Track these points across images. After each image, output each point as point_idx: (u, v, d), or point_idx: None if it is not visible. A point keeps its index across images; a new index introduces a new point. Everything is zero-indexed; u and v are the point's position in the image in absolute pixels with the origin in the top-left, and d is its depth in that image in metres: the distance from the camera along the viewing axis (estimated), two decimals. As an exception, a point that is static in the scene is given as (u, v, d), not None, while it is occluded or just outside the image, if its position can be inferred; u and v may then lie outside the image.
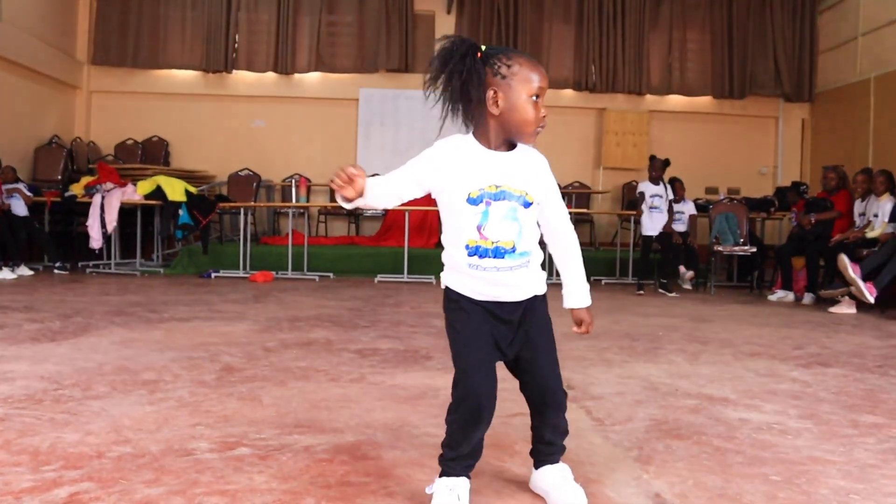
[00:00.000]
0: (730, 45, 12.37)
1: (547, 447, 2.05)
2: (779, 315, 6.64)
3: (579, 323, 2.06)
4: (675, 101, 12.57)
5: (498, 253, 1.90)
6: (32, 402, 2.89)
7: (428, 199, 8.12)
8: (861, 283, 6.45)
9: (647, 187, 8.66)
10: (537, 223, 1.99)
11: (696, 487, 2.15)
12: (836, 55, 11.94)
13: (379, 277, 9.21)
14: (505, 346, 1.96)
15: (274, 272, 9.07)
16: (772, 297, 7.99)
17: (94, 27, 11.78)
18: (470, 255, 1.90)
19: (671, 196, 8.73)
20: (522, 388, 2.02)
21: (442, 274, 2.02)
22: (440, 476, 1.98)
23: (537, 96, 1.88)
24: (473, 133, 1.93)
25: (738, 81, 12.35)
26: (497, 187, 1.88)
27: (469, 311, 1.94)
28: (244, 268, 9.20)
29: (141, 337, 4.54)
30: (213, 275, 9.00)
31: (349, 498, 2.00)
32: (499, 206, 1.88)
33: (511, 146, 1.94)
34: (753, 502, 2.03)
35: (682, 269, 8.88)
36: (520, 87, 1.87)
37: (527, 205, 1.91)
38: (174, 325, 5.04)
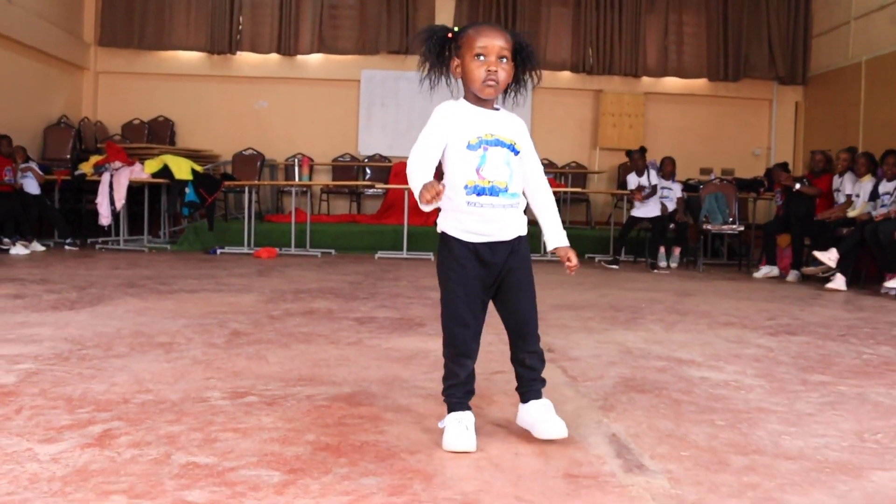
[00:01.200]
0: (725, 27, 12.58)
1: (529, 372, 2.32)
2: (761, 291, 6.93)
3: (567, 258, 2.31)
4: (671, 83, 12.80)
5: (494, 191, 2.21)
6: (60, 360, 3.20)
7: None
8: (829, 263, 6.79)
9: (632, 179, 9.20)
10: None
11: (648, 429, 2.45)
12: (828, 39, 12.16)
13: (379, 254, 9.50)
14: (489, 287, 2.28)
15: (278, 248, 9.36)
16: (757, 274, 8.28)
17: (101, 9, 12.03)
18: (469, 193, 2.20)
19: (655, 181, 9.14)
20: (505, 319, 2.32)
21: (438, 219, 2.30)
22: (448, 412, 2.27)
23: (480, 55, 2.18)
24: (463, 97, 2.29)
25: (733, 64, 12.58)
26: (492, 135, 2.22)
27: (462, 259, 2.23)
28: (249, 244, 9.49)
29: (153, 306, 4.84)
30: (218, 251, 9.29)
31: (345, 434, 2.31)
32: (494, 151, 2.22)
33: (494, 107, 2.29)
34: (696, 441, 2.33)
35: (662, 250, 9.24)
36: (467, 52, 2.21)
37: (516, 153, 2.24)
38: (184, 296, 5.34)
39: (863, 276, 7.37)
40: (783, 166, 9.45)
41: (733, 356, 3.72)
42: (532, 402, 2.31)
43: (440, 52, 2.27)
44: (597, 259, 9.55)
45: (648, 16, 12.60)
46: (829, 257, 6.86)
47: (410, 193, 9.86)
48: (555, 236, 2.35)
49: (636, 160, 9.23)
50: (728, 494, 1.90)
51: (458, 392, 2.29)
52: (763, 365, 3.52)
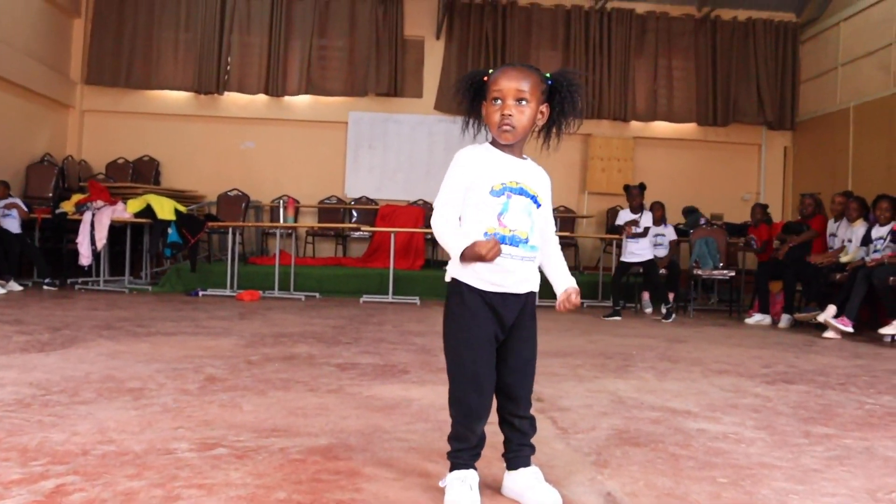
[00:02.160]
0: (714, 73, 12.63)
1: (519, 436, 2.17)
2: (753, 337, 6.79)
3: (569, 296, 2.19)
4: (660, 127, 12.80)
5: (514, 241, 2.09)
6: (21, 406, 3.01)
7: (414, 222, 8.28)
8: (835, 322, 6.62)
9: (625, 216, 8.72)
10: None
11: (646, 487, 2.28)
12: (816, 84, 12.22)
13: (364, 298, 9.33)
14: (497, 341, 2.13)
15: (261, 291, 9.19)
16: (749, 321, 8.15)
17: (89, 47, 11.97)
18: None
19: (648, 223, 8.79)
20: (499, 377, 2.14)
21: (449, 266, 2.16)
22: (451, 470, 2.12)
23: (497, 98, 2.09)
24: (489, 142, 2.18)
25: (722, 109, 12.60)
26: (517, 183, 2.11)
27: (475, 309, 2.09)
28: (231, 286, 9.31)
29: (128, 349, 4.65)
30: (200, 293, 9.11)
31: (318, 492, 2.13)
32: (518, 200, 2.11)
33: (522, 155, 2.19)
34: (699, 501, 2.17)
35: (645, 295, 9.03)
36: (489, 96, 2.12)
37: (538, 205, 2.15)
38: (160, 339, 5.16)
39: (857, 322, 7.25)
40: (763, 208, 9.42)
41: (730, 406, 3.57)
42: (521, 471, 2.17)
43: (475, 98, 2.19)
44: (603, 316, 9.33)
45: (637, 60, 12.63)
46: (829, 315, 6.73)
47: (397, 235, 9.77)
48: (565, 280, 2.24)
49: (634, 196, 8.75)
50: (735, 563, 1.74)
51: (465, 455, 2.13)
52: (762, 416, 3.36)
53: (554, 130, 2.20)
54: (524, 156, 2.19)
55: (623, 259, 8.59)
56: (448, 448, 2.15)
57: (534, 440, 2.22)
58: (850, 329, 6.58)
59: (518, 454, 2.18)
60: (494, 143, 2.16)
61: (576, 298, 2.20)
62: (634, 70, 12.63)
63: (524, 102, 2.08)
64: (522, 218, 2.10)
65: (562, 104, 2.15)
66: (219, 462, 2.38)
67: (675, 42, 12.72)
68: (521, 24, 12.55)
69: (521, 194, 2.10)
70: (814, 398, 3.83)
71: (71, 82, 11.83)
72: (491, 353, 2.11)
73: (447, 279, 2.17)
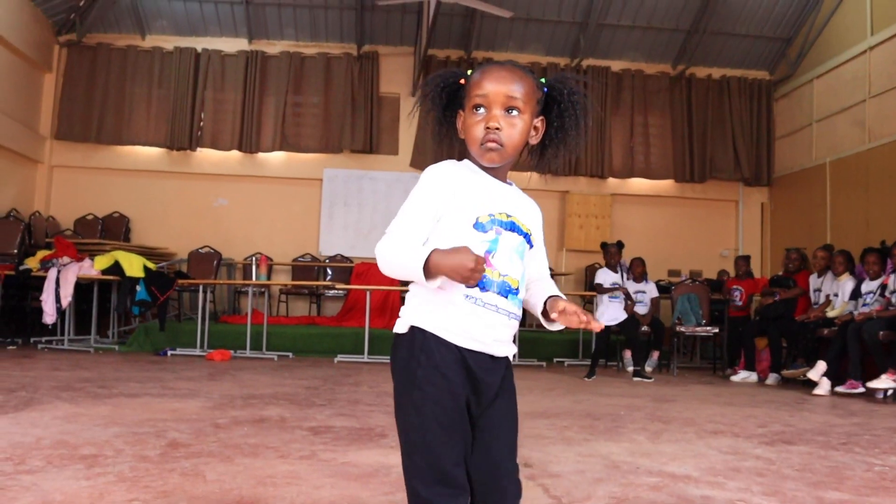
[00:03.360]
0: (690, 130, 12.65)
1: None
2: (742, 395, 6.59)
3: (563, 309, 1.60)
4: (637, 184, 12.75)
5: (503, 289, 1.60)
6: (-42, 477, 2.72)
7: (389, 280, 7.92)
8: (843, 389, 6.48)
9: (606, 276, 8.50)
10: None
11: (656, 565, 2.05)
12: (792, 141, 12.26)
13: (339, 357, 9.04)
14: (473, 416, 1.61)
15: (232, 351, 8.87)
16: (735, 378, 7.96)
17: (59, 102, 11.76)
18: (470, 286, 1.55)
19: (628, 282, 8.63)
20: (474, 465, 1.58)
21: (407, 311, 1.62)
22: None
23: (479, 106, 1.61)
24: (468, 159, 1.67)
25: (699, 165, 12.58)
26: (508, 216, 1.62)
27: (445, 370, 1.55)
28: (202, 346, 8.99)
29: (86, 412, 4.35)
30: (169, 353, 8.78)
31: (288, 576, 1.88)
32: (510, 238, 1.62)
33: (507, 179, 1.70)
34: (716, 580, 1.93)
35: (626, 354, 8.84)
36: (469, 102, 1.64)
37: (531, 245, 1.67)
38: (122, 401, 4.85)
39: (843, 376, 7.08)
40: (746, 259, 9.33)
41: (732, 470, 3.34)
42: None
43: (448, 104, 1.70)
44: (585, 377, 9.12)
45: (614, 117, 12.63)
46: (819, 372, 6.57)
47: (373, 294, 9.54)
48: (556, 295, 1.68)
49: (612, 254, 8.61)
50: None
51: None
52: (768, 480, 3.14)
53: (550, 151, 1.71)
54: (509, 181, 1.70)
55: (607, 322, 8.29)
56: None
57: None
58: (861, 390, 6.41)
59: None
60: (473, 159, 1.66)
61: (584, 316, 1.57)
62: (611, 127, 12.61)
63: (515, 112, 1.61)
64: (514, 261, 1.61)
65: (561, 117, 1.67)
66: (175, 541, 2.11)
67: (651, 99, 12.75)
68: (498, 81, 12.52)
69: (512, 230, 1.61)
70: (818, 459, 3.62)
71: (40, 137, 11.59)
72: (467, 438, 1.57)
73: (401, 330, 1.60)
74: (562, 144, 1.70)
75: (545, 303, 1.67)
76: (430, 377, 1.53)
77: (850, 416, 5.23)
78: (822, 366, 6.59)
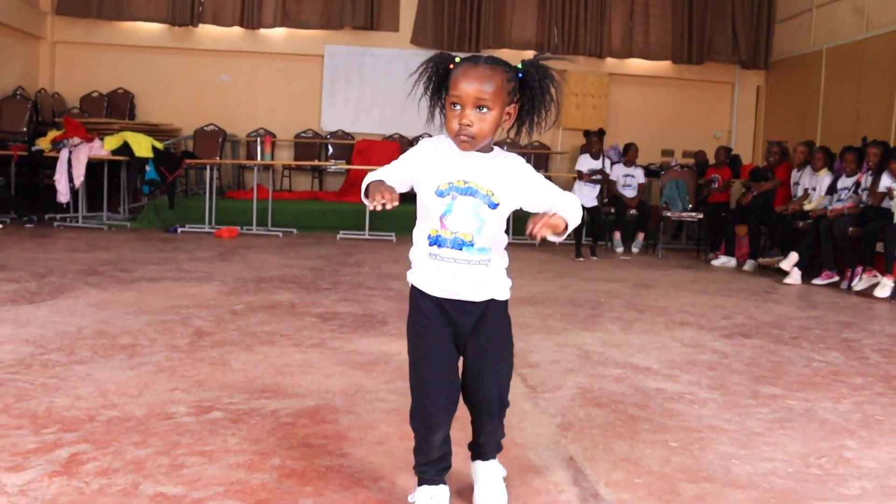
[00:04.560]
0: (690, 10, 12.64)
1: (476, 447, 2.16)
2: (718, 282, 7.07)
3: (549, 216, 1.90)
4: (635, 64, 12.86)
5: (456, 244, 1.95)
6: (23, 367, 3.19)
7: (390, 157, 8.44)
8: (819, 281, 6.92)
9: (584, 163, 9.11)
10: (506, 228, 2.07)
11: (604, 451, 2.53)
12: (791, 25, 12.30)
13: (341, 234, 9.49)
14: (461, 348, 2.04)
15: (239, 227, 9.31)
16: (715, 263, 8.43)
17: (59, -24, 11.74)
18: (430, 244, 1.97)
19: (608, 168, 9.09)
20: (464, 391, 2.06)
21: (409, 272, 2.09)
22: (419, 485, 2.07)
23: (455, 103, 1.91)
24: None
25: (697, 47, 12.66)
26: (465, 182, 1.95)
27: (429, 314, 2.00)
28: (210, 222, 9.42)
29: (115, 298, 4.82)
30: (178, 230, 9.21)
31: (309, 458, 2.35)
32: (464, 201, 1.95)
33: (490, 148, 2.00)
34: (650, 466, 2.42)
35: (616, 235, 9.37)
36: (449, 97, 1.94)
37: (492, 205, 1.96)
38: (145, 286, 5.32)
39: (816, 268, 7.55)
40: (727, 151, 9.67)
41: (688, 363, 3.82)
42: (477, 462, 2.17)
43: (440, 85, 1.99)
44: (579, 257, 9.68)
45: (614, -4, 12.62)
46: (791, 263, 7.02)
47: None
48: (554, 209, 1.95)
49: (593, 142, 9.15)
50: (679, 529, 1.99)
51: (430, 471, 2.07)
52: (717, 374, 3.62)
53: (525, 127, 2.01)
54: (493, 147, 2.01)
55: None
56: (414, 463, 2.10)
57: (505, 435, 2.20)
58: (836, 278, 6.89)
59: (478, 451, 2.17)
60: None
61: (554, 221, 1.88)
62: (611, 6, 12.62)
63: (485, 109, 1.90)
64: (467, 219, 1.94)
65: (532, 100, 1.96)
66: (216, 427, 2.59)
67: (652, -22, 12.70)
68: (499, -43, 12.45)
69: (467, 194, 1.94)
70: (767, 354, 4.11)
71: (41, 13, 11.62)
72: (448, 362, 2.00)
73: (408, 284, 2.09)
74: (533, 123, 2.02)
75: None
76: (418, 318, 2.03)
77: (810, 309, 5.72)
78: (794, 257, 7.03)
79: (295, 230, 9.79)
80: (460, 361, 2.07)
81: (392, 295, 5.41)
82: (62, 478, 2.12)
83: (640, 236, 9.49)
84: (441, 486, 2.06)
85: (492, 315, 2.04)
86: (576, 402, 3.07)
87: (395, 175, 1.99)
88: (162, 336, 3.87)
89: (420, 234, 2.03)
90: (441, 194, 1.96)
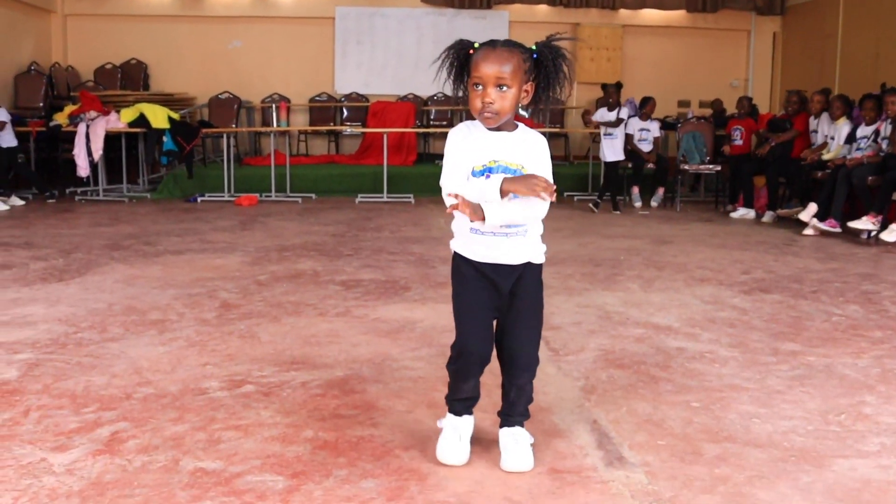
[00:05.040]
0: (703, -44, 12.46)
1: (508, 405, 2.27)
2: (737, 235, 7.07)
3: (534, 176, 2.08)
4: (649, 15, 12.72)
5: None
6: (58, 347, 3.28)
7: (405, 117, 8.48)
8: (822, 226, 6.85)
9: (601, 115, 9.03)
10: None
11: (627, 414, 2.59)
12: (807, -32, 12.10)
13: (359, 198, 9.54)
14: (498, 308, 2.22)
15: (258, 195, 9.37)
16: (734, 215, 8.41)
17: (67, -52, 11.71)
18: (472, 222, 2.10)
19: (625, 117, 9.01)
20: (497, 349, 2.25)
21: (451, 241, 2.27)
22: (449, 412, 2.31)
23: (477, 84, 2.08)
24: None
25: (712, -6, 12.50)
26: (495, 162, 2.12)
27: (469, 277, 2.19)
28: (229, 190, 9.49)
29: (141, 273, 4.91)
30: (198, 199, 9.29)
31: (341, 429, 2.43)
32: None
33: (514, 126, 2.18)
34: (672, 428, 2.48)
35: (634, 189, 9.33)
36: (471, 79, 2.11)
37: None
38: (170, 259, 5.40)
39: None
40: (748, 101, 9.53)
41: (708, 321, 3.87)
42: (505, 430, 2.26)
43: (462, 68, 2.15)
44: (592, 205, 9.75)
45: (627, -56, 12.43)
46: (810, 213, 6.98)
47: (390, 134, 9.90)
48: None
49: (610, 94, 9.15)
50: (701, 490, 2.05)
51: (458, 405, 2.30)
52: (737, 331, 3.67)
53: (541, 104, 2.16)
54: (517, 123, 2.18)
55: (605, 160, 8.97)
56: (446, 394, 2.33)
57: (533, 399, 2.32)
58: (838, 230, 6.84)
59: (506, 416, 2.28)
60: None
61: (537, 182, 2.04)
62: (624, -45, 12.45)
63: (505, 88, 2.07)
64: None
65: (547, 78, 2.12)
66: (249, 401, 2.67)
67: (665, -75, 12.49)
68: (508, -89, 12.28)
69: (500, 171, 2.11)
70: (786, 309, 4.14)
71: (51, -15, 11.64)
72: (484, 321, 2.20)
73: (452, 250, 2.28)
74: (549, 99, 2.17)
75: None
76: (460, 283, 2.24)
77: (829, 261, 5.72)
78: (812, 207, 7.00)
79: (314, 195, 9.85)
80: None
81: (413, 260, 5.46)
82: (105, 456, 2.21)
83: (661, 191, 9.46)
84: (466, 416, 2.30)
85: (528, 277, 2.23)
86: (598, 365, 3.13)
87: (461, 174, 2.14)
88: (190, 310, 3.95)
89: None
90: (476, 175, 2.13)
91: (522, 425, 2.28)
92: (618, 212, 8.61)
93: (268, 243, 6.16)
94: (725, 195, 9.25)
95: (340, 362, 3.12)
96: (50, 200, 8.99)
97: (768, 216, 8.04)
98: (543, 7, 12.49)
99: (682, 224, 7.77)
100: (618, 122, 8.83)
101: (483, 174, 2.12)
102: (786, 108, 8.62)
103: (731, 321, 3.86)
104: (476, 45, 2.12)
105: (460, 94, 2.18)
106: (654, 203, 9.38)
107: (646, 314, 3.99)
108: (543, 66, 2.12)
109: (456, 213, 2.09)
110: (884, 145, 6.95)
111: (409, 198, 9.51)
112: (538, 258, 2.25)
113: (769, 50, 12.92)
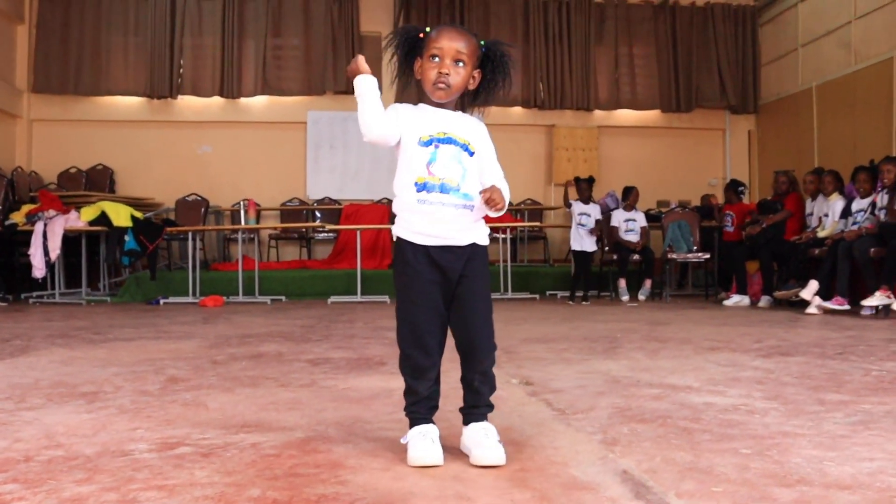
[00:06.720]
0: (675, 59, 12.52)
1: (473, 396, 2.17)
2: (736, 317, 6.62)
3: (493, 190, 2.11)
4: (624, 115, 12.67)
5: (444, 189, 2.12)
6: (-42, 416, 2.70)
7: (379, 220, 8.12)
8: (830, 304, 6.47)
9: (577, 205, 9.07)
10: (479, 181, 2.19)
11: (664, 463, 2.05)
12: (778, 66, 12.16)
13: (332, 299, 9.03)
14: (447, 295, 2.15)
15: (224, 297, 8.85)
16: (727, 303, 7.99)
17: (34, 54, 11.52)
18: (419, 190, 2.11)
19: (598, 216, 9.05)
20: (454, 334, 2.17)
21: (393, 226, 2.22)
22: (410, 427, 2.15)
23: (435, 56, 2.14)
24: (422, 101, 2.22)
25: (685, 95, 12.49)
26: (444, 133, 2.15)
27: (415, 265, 2.13)
28: (194, 293, 8.96)
29: (83, 355, 4.33)
30: (161, 301, 8.75)
31: (297, 487, 1.87)
32: (446, 149, 2.14)
33: (456, 108, 2.24)
34: (726, 473, 1.93)
35: (621, 283, 8.96)
36: (426, 51, 2.17)
37: (470, 153, 2.17)
38: (118, 345, 4.83)
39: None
40: (735, 187, 9.23)
41: (731, 380, 3.35)
42: (472, 426, 2.15)
43: (409, 52, 2.23)
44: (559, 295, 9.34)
45: (598, 48, 12.49)
46: (812, 291, 6.59)
47: (363, 234, 9.50)
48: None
49: (583, 189, 9.14)
50: (787, 538, 1.50)
51: (420, 409, 2.17)
52: (768, 387, 3.15)
53: (482, 96, 2.25)
54: (458, 110, 2.23)
55: (572, 248, 8.90)
56: (404, 405, 2.21)
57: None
58: (846, 307, 6.43)
59: (471, 412, 2.17)
60: (426, 100, 2.20)
61: (497, 195, 2.10)
62: (595, 59, 12.47)
63: (461, 64, 2.15)
64: (452, 166, 2.13)
65: (493, 72, 2.23)
66: (182, 461, 2.10)
67: (635, 29, 12.59)
68: (480, 16, 12.32)
69: (448, 143, 2.14)
70: (816, 368, 3.64)
71: (17, 91, 11.36)
72: (435, 310, 2.14)
73: (394, 238, 2.22)
74: (490, 92, 2.26)
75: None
76: (405, 269, 2.16)
77: (844, 331, 5.26)
78: (814, 285, 6.60)
79: (284, 297, 9.34)
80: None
81: (388, 342, 4.92)
82: (-25, 521, 1.63)
83: (647, 283, 9.06)
84: (431, 425, 2.16)
85: (476, 259, 2.19)
86: (615, 420, 2.59)
87: (394, 114, 2.17)
88: (130, 384, 3.37)
89: (405, 184, 2.15)
90: (424, 144, 2.14)
91: (487, 418, 2.18)
92: (586, 303, 8.28)
93: (230, 333, 5.61)
94: (716, 283, 8.86)
95: (302, 425, 2.56)
96: (1, 304, 8.39)
97: (764, 301, 7.62)
98: (518, 109, 12.39)
99: (676, 311, 7.33)
100: (598, 224, 8.88)
101: (431, 144, 2.13)
102: (775, 190, 8.34)
103: (758, 379, 3.34)
104: (428, 29, 2.21)
105: (405, 77, 2.24)
106: (641, 297, 8.97)
107: (658, 377, 3.46)
108: (490, 61, 2.23)
109: (399, 187, 2.16)
110: (882, 216, 6.61)
111: (385, 298, 9.02)
112: (483, 239, 2.22)
113: (745, 147, 12.86)
